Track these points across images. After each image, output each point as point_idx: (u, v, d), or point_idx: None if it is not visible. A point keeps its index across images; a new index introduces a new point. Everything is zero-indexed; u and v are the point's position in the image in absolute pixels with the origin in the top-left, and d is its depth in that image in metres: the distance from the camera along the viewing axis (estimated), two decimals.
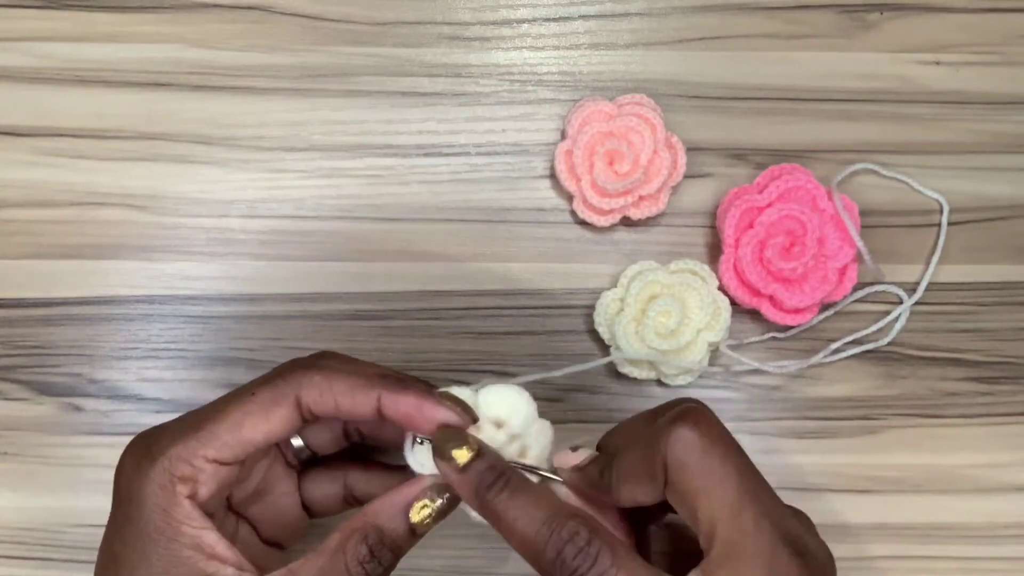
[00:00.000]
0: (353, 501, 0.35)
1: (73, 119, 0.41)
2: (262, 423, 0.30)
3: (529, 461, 0.31)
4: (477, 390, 0.31)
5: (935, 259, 0.40)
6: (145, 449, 0.30)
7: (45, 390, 0.40)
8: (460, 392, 0.30)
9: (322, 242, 0.40)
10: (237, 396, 0.30)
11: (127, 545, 0.29)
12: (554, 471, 0.31)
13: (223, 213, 0.40)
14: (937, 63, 0.42)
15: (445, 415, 0.29)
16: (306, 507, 0.35)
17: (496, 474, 0.29)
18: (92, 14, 0.41)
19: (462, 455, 0.29)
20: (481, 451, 0.29)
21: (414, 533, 0.30)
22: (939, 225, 0.41)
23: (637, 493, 0.29)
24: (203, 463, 0.29)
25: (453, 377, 0.40)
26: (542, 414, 0.40)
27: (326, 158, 0.41)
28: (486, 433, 0.30)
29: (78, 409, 0.40)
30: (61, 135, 0.41)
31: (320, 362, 0.31)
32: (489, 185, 0.41)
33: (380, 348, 0.40)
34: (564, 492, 0.31)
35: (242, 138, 0.41)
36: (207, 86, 0.41)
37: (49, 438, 0.40)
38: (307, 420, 0.30)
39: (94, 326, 0.40)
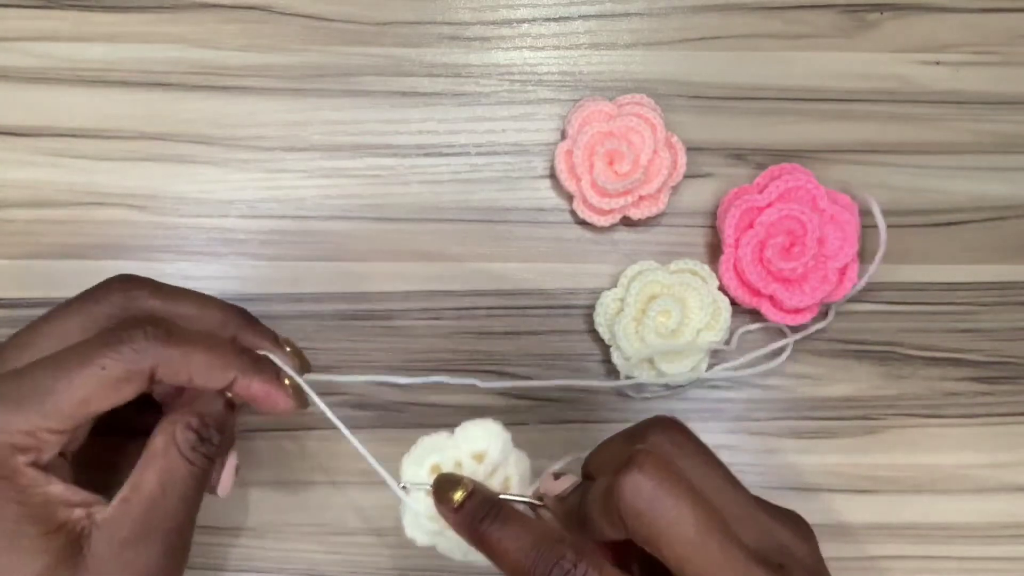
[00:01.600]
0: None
1: (73, 119, 0.41)
2: (112, 396, 0.29)
3: (513, 490, 0.32)
4: (453, 431, 0.32)
5: (878, 258, 0.39)
6: None
7: None
8: (438, 437, 0.32)
9: (322, 242, 0.40)
10: (80, 364, 0.29)
11: None
12: (540, 498, 0.32)
13: (223, 213, 0.41)
14: (937, 63, 0.42)
15: (287, 405, 0.32)
16: None
17: (488, 507, 0.30)
18: (92, 14, 0.41)
19: (458, 496, 0.30)
20: (475, 490, 0.30)
21: (232, 407, 0.32)
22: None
23: (606, 533, 0.29)
24: (46, 435, 0.29)
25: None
26: (542, 413, 0.40)
27: (326, 158, 0.41)
28: (467, 467, 0.31)
29: None
30: (61, 135, 0.41)
31: (173, 330, 0.30)
32: (489, 185, 0.41)
33: (380, 348, 0.40)
34: (549, 518, 0.32)
35: (242, 138, 0.41)
36: (207, 86, 0.41)
37: None
38: (150, 390, 0.30)
39: None
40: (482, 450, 0.32)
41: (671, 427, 0.30)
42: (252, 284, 0.40)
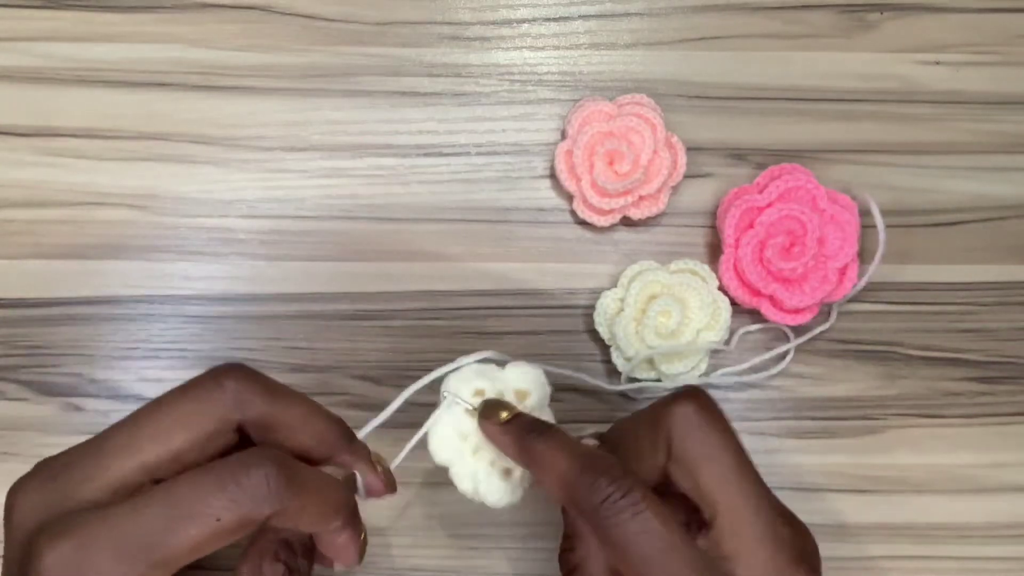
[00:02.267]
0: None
1: (73, 119, 0.41)
2: (222, 542, 0.27)
3: (531, 401, 0.33)
4: (504, 364, 0.33)
5: (876, 259, 0.39)
6: (79, 560, 0.26)
7: (45, 390, 0.40)
8: (488, 366, 0.32)
9: (322, 242, 0.40)
10: (195, 512, 0.26)
11: None
12: None
13: (223, 213, 0.41)
14: (937, 63, 0.42)
15: (380, 487, 0.32)
16: None
17: (535, 423, 0.31)
18: (92, 14, 0.41)
19: (504, 415, 0.31)
20: (521, 412, 0.31)
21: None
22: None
23: (640, 470, 0.29)
24: None
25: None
26: None
27: (326, 158, 0.41)
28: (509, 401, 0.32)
29: (78, 409, 0.40)
30: (61, 135, 0.41)
31: (293, 478, 0.27)
32: (489, 185, 0.41)
33: (380, 348, 0.40)
34: None
35: (242, 138, 0.41)
36: (207, 86, 0.41)
37: (49, 438, 0.40)
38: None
39: (94, 326, 0.40)
40: (527, 390, 0.32)
41: (699, 396, 0.31)
42: (252, 284, 0.40)
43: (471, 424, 0.32)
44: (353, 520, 0.30)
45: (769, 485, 0.40)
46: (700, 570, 0.27)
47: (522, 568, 0.40)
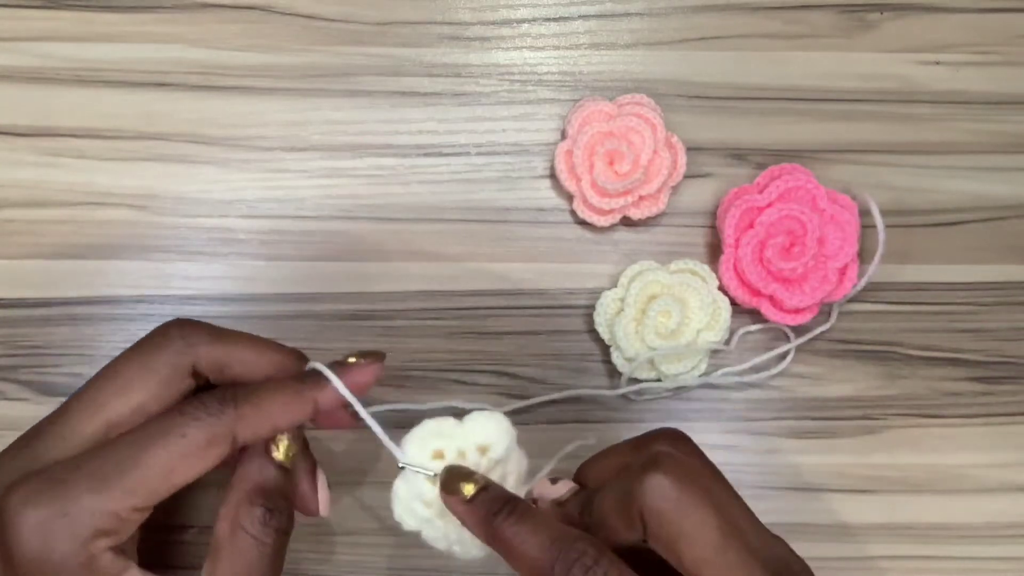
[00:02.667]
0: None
1: (73, 119, 0.41)
2: (196, 464, 0.28)
3: (509, 487, 0.31)
4: (463, 420, 0.31)
5: (876, 259, 0.39)
6: (51, 503, 0.27)
7: (45, 390, 0.40)
8: (445, 423, 0.31)
9: (322, 242, 0.40)
10: (162, 435, 0.28)
11: None
12: (534, 501, 0.32)
13: (223, 213, 0.40)
14: (937, 63, 0.42)
15: (372, 372, 0.31)
16: None
17: (503, 501, 0.29)
18: (92, 14, 0.41)
19: (469, 489, 0.29)
20: (487, 484, 0.30)
21: (287, 471, 0.30)
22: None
23: (618, 537, 0.29)
24: (130, 513, 0.27)
25: (453, 377, 0.40)
26: (542, 414, 0.40)
27: (326, 158, 0.41)
28: (471, 459, 0.31)
29: None
30: (61, 135, 0.41)
31: (248, 390, 0.29)
32: (489, 185, 0.41)
33: (380, 348, 0.40)
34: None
35: (242, 138, 0.41)
36: (207, 86, 0.41)
37: None
38: (234, 452, 0.29)
39: (94, 326, 0.40)
40: (488, 443, 0.31)
41: (677, 439, 0.30)
42: (252, 284, 0.40)
43: (434, 490, 0.30)
44: (322, 383, 0.30)
45: (769, 485, 0.41)
46: None
47: None
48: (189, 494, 0.36)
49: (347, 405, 0.31)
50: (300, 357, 0.32)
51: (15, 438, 0.30)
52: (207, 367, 0.30)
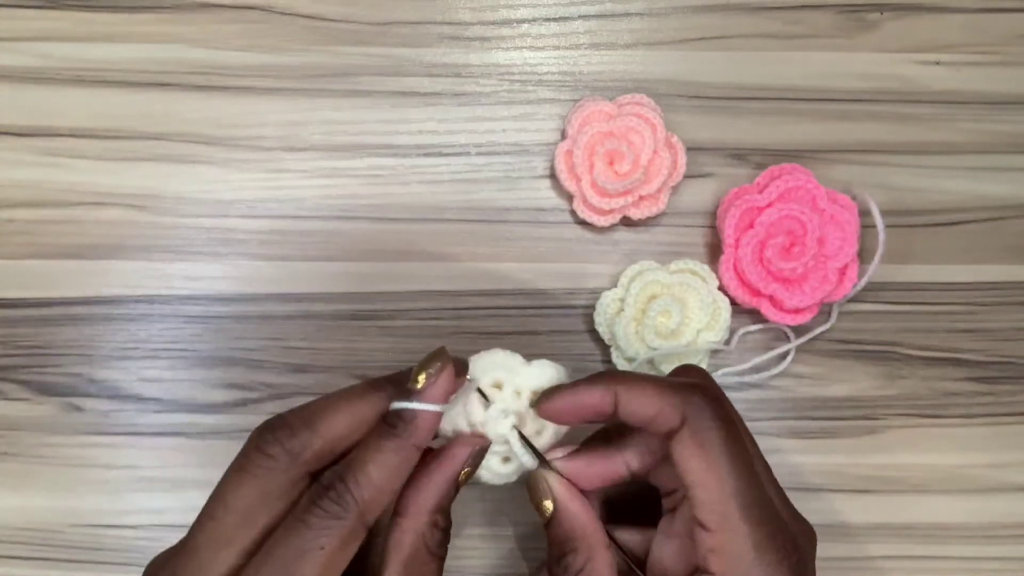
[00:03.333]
0: None
1: (73, 119, 0.41)
2: (342, 564, 0.28)
3: (545, 436, 0.33)
4: (531, 362, 0.33)
5: (876, 259, 0.39)
6: None
7: (45, 390, 0.40)
8: (513, 358, 0.33)
9: (322, 242, 0.40)
10: (302, 556, 0.27)
11: None
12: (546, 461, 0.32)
13: (223, 213, 0.41)
14: (937, 63, 0.42)
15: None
16: None
17: (599, 373, 0.31)
18: (92, 14, 0.41)
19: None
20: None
21: (458, 490, 0.32)
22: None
23: (644, 407, 0.30)
24: None
25: None
26: None
27: (326, 158, 0.41)
28: (523, 399, 0.32)
29: (78, 409, 0.40)
30: (61, 135, 0.41)
31: (353, 473, 0.29)
32: (489, 185, 0.41)
33: (380, 348, 0.40)
34: (554, 477, 0.32)
35: (242, 138, 0.41)
36: (207, 86, 0.41)
37: (49, 438, 0.40)
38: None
39: (94, 326, 0.40)
40: (541, 388, 0.32)
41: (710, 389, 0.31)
42: (252, 284, 0.40)
43: (479, 412, 0.32)
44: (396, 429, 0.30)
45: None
46: (769, 502, 0.29)
47: (522, 568, 0.40)
48: None
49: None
50: (372, 388, 0.31)
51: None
52: (315, 465, 0.30)
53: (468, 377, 0.32)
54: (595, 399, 0.30)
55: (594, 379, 0.31)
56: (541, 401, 0.31)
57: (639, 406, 0.30)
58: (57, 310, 0.40)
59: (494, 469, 0.32)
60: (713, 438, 0.29)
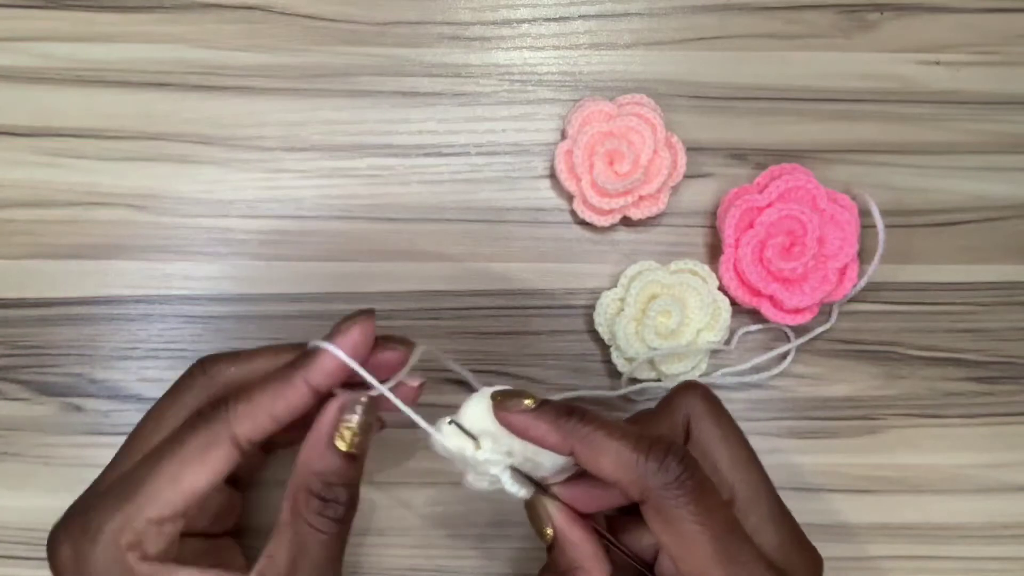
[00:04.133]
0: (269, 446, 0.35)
1: (73, 119, 0.41)
2: (202, 469, 0.29)
3: (542, 471, 0.31)
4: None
5: (876, 259, 0.39)
6: (81, 530, 0.29)
7: (45, 390, 0.40)
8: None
9: (322, 242, 0.40)
10: (166, 447, 0.29)
11: None
12: (544, 488, 0.31)
13: (223, 213, 0.41)
14: (937, 63, 0.42)
15: (391, 356, 0.32)
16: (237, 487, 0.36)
17: (571, 408, 0.29)
18: (92, 14, 0.41)
19: (530, 401, 0.29)
20: (546, 400, 0.29)
21: (352, 458, 0.30)
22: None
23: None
24: (147, 525, 0.29)
25: (453, 377, 0.40)
26: None
27: (326, 158, 0.41)
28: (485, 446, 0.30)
29: (78, 409, 0.40)
30: (61, 135, 0.41)
31: (239, 389, 0.30)
32: (489, 185, 0.41)
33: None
34: (553, 505, 0.31)
35: (242, 138, 0.41)
36: (207, 86, 0.41)
37: (49, 438, 0.40)
38: (246, 451, 0.30)
39: (94, 326, 0.40)
40: (478, 429, 0.31)
41: (704, 387, 0.32)
42: (252, 284, 0.40)
43: (470, 450, 0.30)
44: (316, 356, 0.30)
45: None
46: (756, 558, 0.27)
47: (522, 568, 0.40)
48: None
49: (346, 383, 0.30)
50: (301, 345, 0.32)
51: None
52: (249, 429, 0.30)
53: (446, 422, 0.30)
54: (550, 442, 0.29)
55: (557, 418, 0.28)
56: (497, 405, 0.30)
57: (597, 470, 0.28)
58: (57, 310, 0.40)
59: (485, 489, 0.31)
60: (681, 514, 0.27)
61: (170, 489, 0.29)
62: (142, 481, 0.29)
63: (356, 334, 0.30)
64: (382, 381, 0.30)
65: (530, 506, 0.31)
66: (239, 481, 0.36)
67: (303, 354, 0.30)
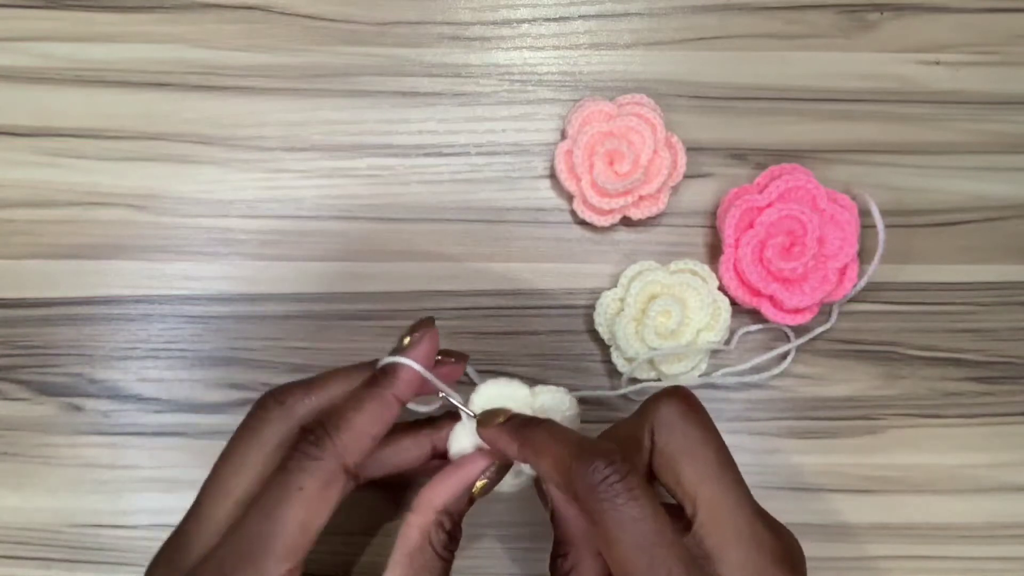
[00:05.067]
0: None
1: (73, 119, 0.41)
2: (324, 507, 0.29)
3: None
4: (534, 391, 0.34)
5: (876, 259, 0.39)
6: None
7: (45, 390, 0.40)
8: (517, 388, 0.33)
9: (322, 242, 0.40)
10: (283, 497, 0.29)
11: None
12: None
13: (223, 213, 0.41)
14: (937, 63, 0.42)
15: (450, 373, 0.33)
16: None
17: (528, 418, 0.31)
18: (92, 14, 0.41)
19: (501, 417, 0.32)
20: (516, 414, 0.32)
21: (472, 502, 0.32)
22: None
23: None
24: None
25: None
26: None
27: (326, 158, 0.41)
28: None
29: (78, 409, 0.40)
30: (61, 135, 0.41)
31: (340, 420, 0.30)
32: (489, 185, 0.41)
33: (380, 348, 0.40)
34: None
35: (242, 138, 0.41)
36: (207, 86, 0.41)
37: (49, 438, 0.40)
38: (357, 476, 0.31)
39: (94, 326, 0.40)
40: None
41: (682, 393, 0.31)
42: (252, 284, 0.40)
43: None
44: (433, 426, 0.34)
45: (769, 485, 0.41)
46: (688, 564, 0.27)
47: (522, 568, 0.40)
48: None
49: (424, 386, 0.32)
50: (368, 364, 0.33)
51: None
52: (312, 420, 0.31)
53: (469, 410, 0.33)
54: (512, 451, 0.31)
55: (518, 429, 0.31)
56: (480, 423, 0.32)
57: (540, 471, 0.30)
58: (57, 310, 0.40)
59: (505, 479, 0.33)
60: (603, 517, 0.27)
61: (303, 536, 0.29)
62: (272, 535, 0.28)
63: (427, 345, 0.32)
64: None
65: (536, 483, 0.33)
66: None
67: (382, 371, 0.32)
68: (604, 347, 0.40)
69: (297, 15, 0.41)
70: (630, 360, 0.39)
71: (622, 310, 0.39)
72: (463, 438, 0.33)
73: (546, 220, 0.41)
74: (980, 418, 0.41)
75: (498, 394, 0.33)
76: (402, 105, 0.41)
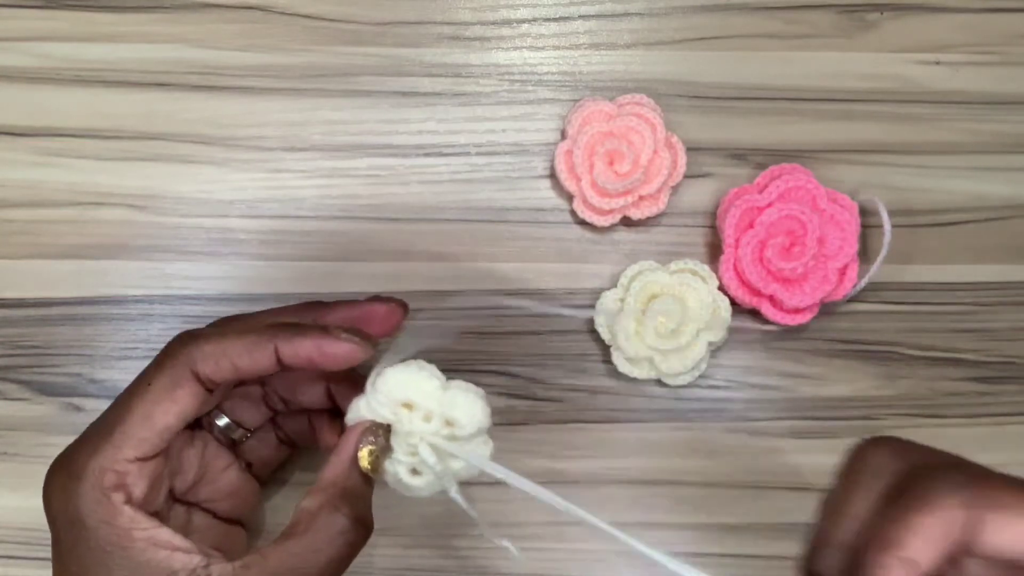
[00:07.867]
0: (287, 440, 0.37)
1: (73, 119, 0.41)
2: (170, 407, 0.30)
3: (456, 469, 0.31)
4: (448, 386, 0.31)
5: (879, 260, 0.39)
6: (66, 472, 0.30)
7: (45, 390, 0.40)
8: (430, 382, 0.31)
9: (322, 242, 0.40)
10: (136, 390, 0.30)
11: (85, 566, 0.29)
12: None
13: (223, 213, 0.41)
14: (937, 63, 0.42)
15: (346, 349, 0.31)
16: (254, 475, 0.36)
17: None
18: (92, 14, 0.41)
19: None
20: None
21: (370, 478, 0.31)
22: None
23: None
24: (126, 465, 0.29)
25: (453, 377, 0.40)
26: (542, 414, 0.40)
27: (326, 158, 0.41)
28: (431, 425, 0.30)
29: (78, 409, 0.40)
30: (61, 135, 0.41)
31: (208, 330, 0.32)
32: (489, 185, 0.41)
33: (379, 348, 0.40)
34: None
35: (242, 138, 0.41)
36: (207, 86, 0.41)
37: (49, 438, 0.40)
38: (212, 390, 0.31)
39: (94, 326, 0.40)
40: (457, 422, 0.30)
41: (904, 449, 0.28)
42: (252, 284, 0.40)
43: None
44: (297, 331, 0.31)
45: (769, 485, 0.40)
46: None
47: (522, 568, 0.40)
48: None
49: (315, 364, 0.31)
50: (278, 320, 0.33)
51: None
52: (211, 370, 0.31)
53: (370, 384, 0.31)
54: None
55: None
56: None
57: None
58: (57, 310, 0.40)
59: (404, 481, 0.31)
60: None
61: (143, 427, 0.30)
62: (117, 421, 0.30)
63: (354, 350, 0.31)
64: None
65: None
66: (253, 467, 0.36)
67: (289, 326, 0.31)
68: (604, 347, 0.40)
69: (297, 15, 0.41)
70: (630, 360, 0.39)
71: (622, 310, 0.39)
72: (361, 411, 0.31)
73: (546, 220, 0.41)
74: (980, 418, 0.41)
75: (405, 380, 0.30)
76: (402, 105, 0.41)
